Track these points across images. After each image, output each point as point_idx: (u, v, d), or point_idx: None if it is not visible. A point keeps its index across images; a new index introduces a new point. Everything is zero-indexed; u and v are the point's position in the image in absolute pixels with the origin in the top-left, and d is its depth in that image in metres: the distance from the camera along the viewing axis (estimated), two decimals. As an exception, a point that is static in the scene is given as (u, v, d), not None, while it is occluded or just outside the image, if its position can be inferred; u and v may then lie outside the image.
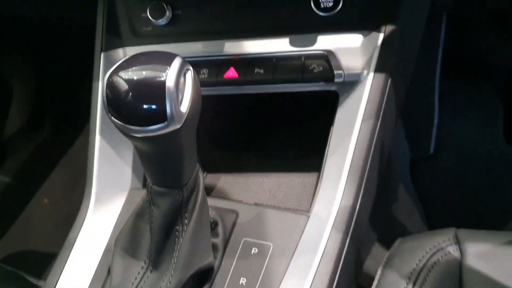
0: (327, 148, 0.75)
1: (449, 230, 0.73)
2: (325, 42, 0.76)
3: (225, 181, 0.95)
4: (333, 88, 0.77)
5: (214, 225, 0.70)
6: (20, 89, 1.61)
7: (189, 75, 0.53)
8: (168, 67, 0.49)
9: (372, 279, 0.73)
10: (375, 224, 1.02)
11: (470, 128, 1.36)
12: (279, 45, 0.78)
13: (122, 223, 0.68)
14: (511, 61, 1.38)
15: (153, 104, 0.49)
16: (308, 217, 0.70)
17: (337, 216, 0.69)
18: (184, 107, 0.51)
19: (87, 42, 0.93)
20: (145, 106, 0.49)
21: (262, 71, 0.77)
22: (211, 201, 0.71)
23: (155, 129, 0.50)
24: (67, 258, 0.75)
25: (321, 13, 0.74)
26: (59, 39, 1.56)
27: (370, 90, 0.74)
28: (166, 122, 0.49)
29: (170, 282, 0.60)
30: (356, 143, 0.72)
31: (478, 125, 1.36)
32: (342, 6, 0.73)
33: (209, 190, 0.93)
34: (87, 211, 0.80)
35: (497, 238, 0.70)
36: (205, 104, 0.58)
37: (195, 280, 0.64)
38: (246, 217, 0.72)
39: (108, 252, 0.73)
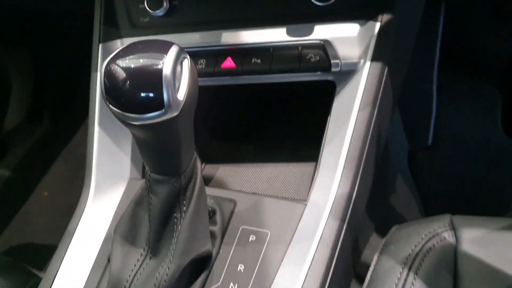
0: (324, 137, 0.76)
1: (445, 217, 0.74)
2: (322, 31, 0.76)
3: (223, 171, 0.96)
4: (330, 77, 0.77)
5: (212, 214, 0.71)
6: (19, 82, 1.61)
7: (186, 63, 0.53)
8: (165, 55, 0.50)
9: None
10: (373, 214, 1.03)
11: (468, 119, 1.37)
12: (276, 35, 0.78)
13: (121, 212, 0.68)
14: (510, 52, 1.38)
15: (150, 92, 0.49)
16: (305, 205, 0.71)
17: (334, 203, 0.69)
18: (181, 95, 0.52)
19: (86, 34, 0.93)
20: (142, 94, 0.49)
21: (259, 61, 0.77)
22: (209, 191, 0.72)
23: (153, 117, 0.50)
24: (68, 247, 0.76)
25: (318, 3, 0.75)
26: (58, 32, 1.56)
27: (367, 79, 0.74)
28: (163, 110, 0.50)
29: (168, 269, 0.60)
30: (353, 132, 0.73)
31: (476, 116, 1.37)
32: None
33: (208, 181, 0.93)
34: (86, 201, 0.81)
35: (491, 224, 0.70)
36: (202, 95, 0.59)
37: (193, 266, 0.65)
38: (244, 206, 0.73)
39: (108, 241, 0.73)
